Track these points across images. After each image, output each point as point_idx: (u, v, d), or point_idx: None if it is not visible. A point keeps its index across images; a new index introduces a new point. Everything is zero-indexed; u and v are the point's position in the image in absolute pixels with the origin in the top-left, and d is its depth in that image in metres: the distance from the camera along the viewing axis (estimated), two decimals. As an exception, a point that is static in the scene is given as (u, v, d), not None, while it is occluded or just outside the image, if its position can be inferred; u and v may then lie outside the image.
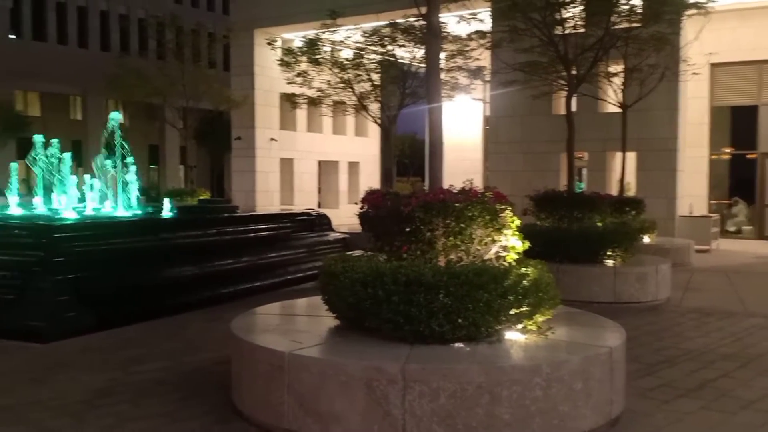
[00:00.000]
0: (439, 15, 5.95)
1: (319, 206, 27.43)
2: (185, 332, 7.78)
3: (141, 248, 9.35)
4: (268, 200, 25.85)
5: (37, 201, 12.11)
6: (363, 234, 5.93)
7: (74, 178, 11.84)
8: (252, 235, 11.88)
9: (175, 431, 4.66)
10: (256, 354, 4.78)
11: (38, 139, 12.17)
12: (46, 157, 11.95)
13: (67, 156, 11.96)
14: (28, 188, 12.24)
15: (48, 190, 11.99)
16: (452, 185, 5.36)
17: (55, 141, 12.36)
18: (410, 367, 4.22)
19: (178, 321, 8.30)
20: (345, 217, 21.45)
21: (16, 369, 6.16)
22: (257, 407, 4.76)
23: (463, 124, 25.46)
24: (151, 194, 48.47)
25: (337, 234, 14.07)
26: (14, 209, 11.78)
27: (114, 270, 8.57)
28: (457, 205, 5.02)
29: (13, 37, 43.94)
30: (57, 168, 11.88)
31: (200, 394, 5.42)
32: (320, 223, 13.87)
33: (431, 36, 5.79)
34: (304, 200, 27.00)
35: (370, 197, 5.85)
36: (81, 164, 48.92)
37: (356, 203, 5.83)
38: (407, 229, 5.07)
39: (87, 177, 12.05)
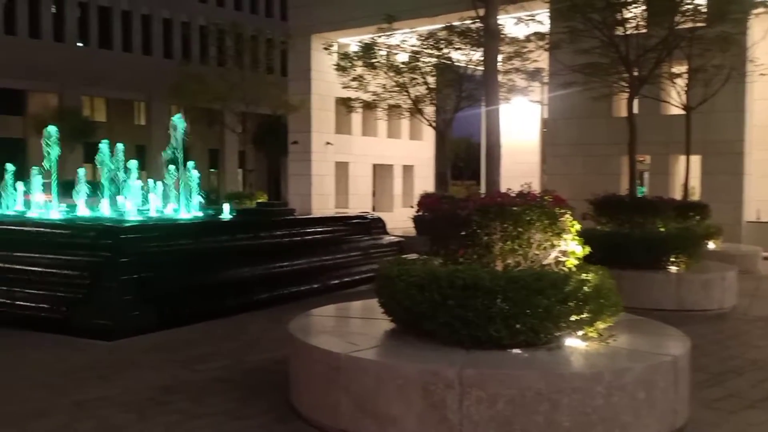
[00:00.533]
0: (497, 17, 5.91)
1: (374, 209, 27.53)
2: (245, 332, 7.94)
3: (202, 250, 9.58)
4: (323, 203, 26.14)
5: (104, 203, 12.55)
6: (418, 237, 5.93)
7: (138, 182, 12.22)
8: (308, 237, 12.01)
9: (235, 429, 4.76)
10: (313, 355, 4.84)
11: (104, 144, 12.62)
12: (112, 161, 12.38)
13: (132, 162, 12.37)
14: (94, 191, 12.71)
15: (114, 193, 12.41)
16: (510, 189, 5.31)
17: (120, 146, 12.78)
18: (467, 372, 4.20)
19: (237, 321, 8.47)
20: (399, 221, 21.47)
21: (86, 366, 6.40)
22: (314, 407, 4.82)
23: (520, 126, 25.17)
24: (210, 197, 49.71)
25: (392, 237, 14.10)
26: (82, 211, 12.24)
27: (177, 271, 8.81)
28: (515, 208, 4.97)
29: (80, 45, 45.75)
30: (123, 172, 12.29)
31: (260, 393, 5.52)
32: (375, 226, 13.92)
33: (489, 38, 5.76)
34: (359, 203, 27.19)
35: (426, 200, 5.85)
36: (144, 168, 50.61)
37: (412, 207, 5.85)
38: (464, 233, 5.05)
39: (150, 181, 12.44)
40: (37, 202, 12.33)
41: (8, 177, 12.70)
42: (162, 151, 11.74)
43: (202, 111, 39.15)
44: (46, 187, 12.14)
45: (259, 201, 23.68)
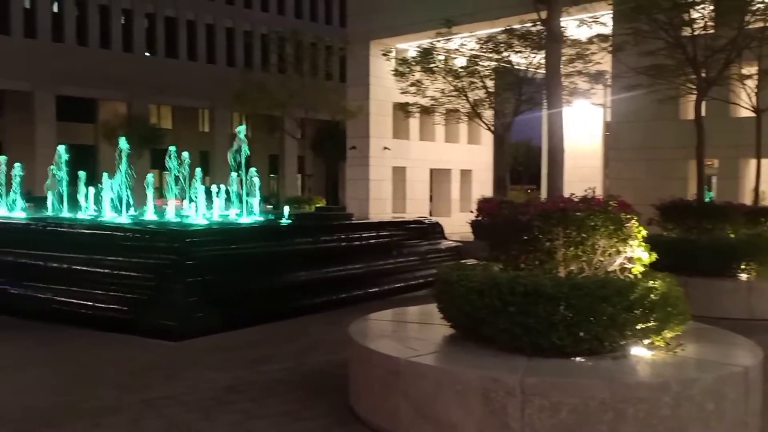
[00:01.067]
0: (559, 19, 5.83)
1: (431, 214, 27.48)
2: (305, 335, 8.04)
3: (264, 253, 9.77)
4: (380, 208, 26.24)
5: (170, 208, 12.94)
6: (476, 242, 5.89)
7: (202, 187, 12.56)
8: (366, 242, 12.08)
9: (296, 430, 4.83)
10: (372, 359, 4.86)
11: (172, 150, 13.03)
12: (178, 167, 12.76)
13: (197, 169, 12.73)
14: (161, 196, 13.14)
15: (179, 198, 12.77)
16: (573, 194, 5.22)
17: (185, 153, 13.17)
18: (529, 380, 4.14)
19: (298, 324, 8.59)
20: (457, 226, 21.38)
21: (153, 365, 6.60)
22: (374, 411, 4.84)
23: (581, 130, 24.69)
24: (271, 202, 50.64)
25: (450, 242, 14.04)
26: (149, 215, 12.65)
27: (239, 273, 9.01)
28: (578, 214, 4.88)
29: (148, 54, 47.37)
30: (188, 177, 12.66)
31: (320, 395, 5.58)
32: (433, 231, 13.90)
33: (551, 41, 5.68)
34: (416, 208, 27.17)
35: (486, 205, 5.80)
36: (207, 173, 51.96)
37: (472, 212, 5.81)
38: (525, 239, 4.99)
39: (214, 186, 12.76)
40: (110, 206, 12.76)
41: (81, 183, 13.22)
42: (225, 157, 12.10)
43: (263, 117, 40.02)
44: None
45: (318, 205, 23.96)
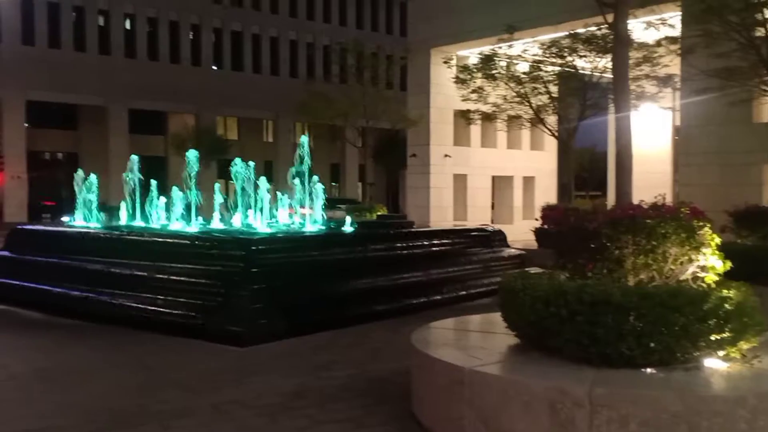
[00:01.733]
0: (627, 22, 5.71)
1: (493, 222, 27.22)
2: (368, 342, 8.09)
3: (327, 261, 9.88)
4: (441, 216, 26.17)
5: (237, 216, 13.24)
6: (540, 250, 5.81)
7: (267, 196, 12.81)
8: (428, 250, 12.06)
9: (360, 437, 4.86)
10: (435, 367, 4.85)
11: (238, 160, 13.35)
12: (244, 176, 13.06)
13: (262, 178, 13.01)
14: (227, 205, 13.51)
15: (245, 207, 13.06)
16: (642, 200, 5.09)
17: (251, 163, 13.48)
18: (597, 391, 4.05)
19: (361, 331, 8.64)
20: (520, 233, 21.08)
21: (221, 370, 6.77)
22: (437, 420, 4.82)
23: (649, 134, 24.01)
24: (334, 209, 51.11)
25: (513, 250, 13.86)
26: (216, 224, 12.99)
27: (303, 281, 9.14)
28: (648, 221, 4.75)
29: (215, 68, 48.78)
30: (253, 187, 12.94)
31: (383, 403, 5.60)
32: (495, 238, 13.75)
33: (619, 44, 5.57)
34: (478, 216, 26.97)
35: (551, 213, 5.72)
36: (271, 182, 53.02)
37: (536, 219, 5.74)
38: (592, 247, 4.89)
39: (278, 194, 13.01)
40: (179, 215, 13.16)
41: (153, 193, 13.69)
42: (289, 167, 12.31)
43: (324, 127, 40.59)
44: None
45: (379, 213, 24.07)
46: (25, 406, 5.60)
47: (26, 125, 41.50)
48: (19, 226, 14.10)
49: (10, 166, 39.05)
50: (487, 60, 21.00)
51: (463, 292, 11.39)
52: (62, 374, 6.56)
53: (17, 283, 11.12)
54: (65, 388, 6.10)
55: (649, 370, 4.38)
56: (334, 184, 56.99)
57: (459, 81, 22.03)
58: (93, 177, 13.94)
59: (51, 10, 42.06)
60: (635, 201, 5.15)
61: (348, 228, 12.11)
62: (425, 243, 12.13)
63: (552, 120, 21.49)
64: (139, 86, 43.59)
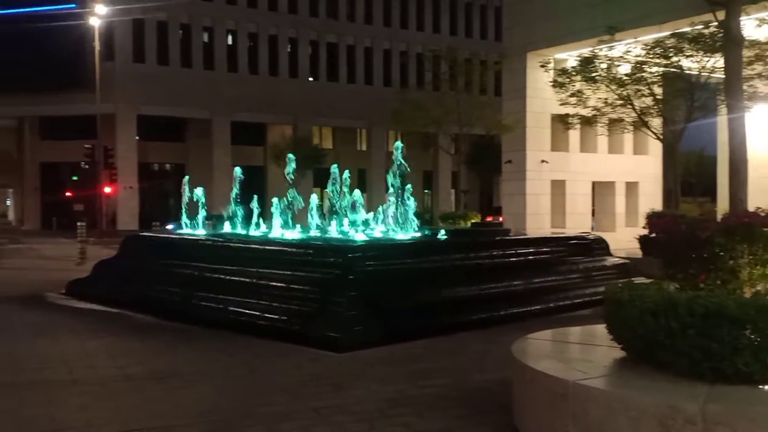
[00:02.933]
0: (739, 19, 5.39)
1: (594, 229, 26.35)
2: (465, 351, 8.02)
3: (422, 269, 9.90)
4: (538, 223, 25.59)
5: (333, 224, 13.51)
6: (646, 259, 5.56)
7: (360, 204, 12.99)
8: (525, 258, 11.83)
9: (459, 448, 4.81)
10: (538, 380, 4.73)
11: (334, 169, 13.63)
12: (339, 185, 13.32)
13: (357, 190, 13.23)
14: (322, 214, 13.82)
15: (340, 215, 13.29)
16: (759, 207, 4.78)
17: (345, 172, 13.71)
18: (711, 408, 3.83)
19: (456, 339, 8.58)
20: (623, 241, 20.26)
21: (320, 375, 6.91)
22: (540, 433, 4.70)
23: (764, 137, 22.54)
24: (425, 218, 51.24)
25: (616, 259, 13.36)
26: (313, 232, 13.30)
27: (398, 288, 9.20)
28: (765, 229, 4.45)
29: (311, 79, 50.08)
30: (348, 195, 13.17)
31: (482, 413, 5.53)
32: (597, 247, 13.30)
33: (731, 43, 5.27)
34: (577, 223, 26.18)
35: (659, 221, 5.47)
36: (365, 190, 53.77)
37: (644, 228, 5.49)
38: (705, 256, 4.64)
39: (368, 201, 13.13)
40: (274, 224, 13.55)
41: (254, 203, 14.20)
42: (381, 174, 12.48)
43: (417, 134, 40.69)
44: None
45: (474, 221, 23.85)
46: (141, 406, 5.93)
47: (137, 138, 44.14)
48: (132, 234, 14.96)
49: (123, 177, 41.60)
50: (587, 62, 20.37)
51: (563, 303, 11.08)
52: (173, 376, 6.90)
53: (130, 287, 11.81)
54: (176, 389, 6.41)
55: (767, 387, 4.11)
56: (426, 191, 57.04)
57: (557, 85, 21.50)
58: (199, 188, 14.58)
59: (160, 28, 44.58)
60: (750, 208, 4.83)
61: (442, 236, 12.07)
62: (522, 251, 11.91)
63: (656, 123, 20.57)
64: (240, 99, 45.41)
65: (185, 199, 14.51)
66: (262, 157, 48.62)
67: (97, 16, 37.43)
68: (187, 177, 14.56)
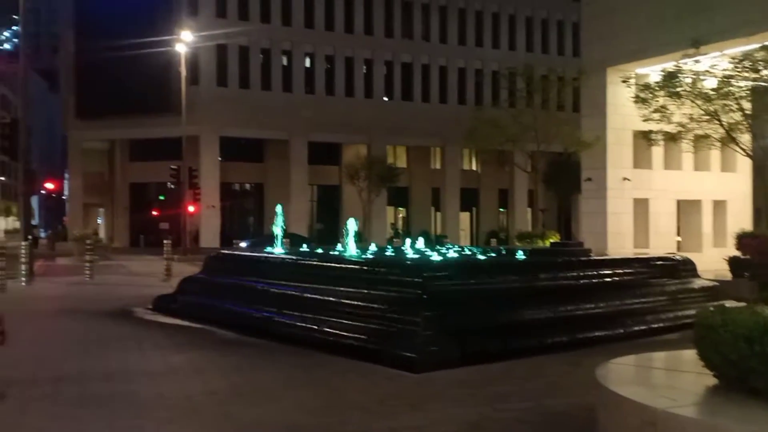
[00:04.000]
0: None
1: (679, 250, 25.30)
2: (545, 374, 7.82)
3: (500, 289, 9.77)
4: (620, 243, 24.78)
5: (408, 243, 13.55)
6: (736, 281, 5.29)
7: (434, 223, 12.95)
8: (607, 279, 11.48)
9: (541, 474, 4.68)
10: (624, 407, 4.56)
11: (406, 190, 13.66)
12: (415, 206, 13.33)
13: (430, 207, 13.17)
14: (396, 232, 13.87)
15: (416, 234, 13.31)
16: None
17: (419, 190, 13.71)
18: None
19: (535, 362, 8.39)
20: (710, 262, 19.35)
21: (396, 394, 6.89)
22: (626, 463, 4.52)
23: None
24: (500, 237, 50.59)
25: (704, 281, 12.77)
26: (390, 250, 13.36)
27: (476, 308, 9.09)
28: None
29: (386, 99, 50.62)
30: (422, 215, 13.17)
31: (564, 440, 5.37)
32: (683, 268, 12.76)
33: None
34: (661, 243, 25.20)
35: (753, 241, 5.20)
36: (439, 209, 53.67)
37: (738, 249, 5.24)
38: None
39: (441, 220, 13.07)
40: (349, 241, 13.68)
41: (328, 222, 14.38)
42: (455, 192, 12.36)
43: (492, 152, 40.34)
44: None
45: (552, 241, 23.34)
46: (224, 420, 6.07)
47: (219, 159, 45.74)
48: (215, 252, 15.44)
49: (206, 196, 43.13)
50: (671, 77, 19.71)
51: (648, 326, 10.67)
52: (254, 391, 7.04)
53: (213, 303, 12.18)
54: (258, 404, 6.54)
55: None
56: (502, 210, 56.33)
57: (639, 100, 20.89)
58: (278, 206, 14.92)
59: (242, 53, 46.23)
60: None
61: (521, 256, 11.88)
62: (604, 272, 11.56)
63: (745, 138, 19.65)
64: (317, 120, 46.40)
65: (278, 230, 14.59)
66: (337, 177, 49.35)
67: (184, 43, 39.19)
68: (279, 208, 14.74)
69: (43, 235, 55.11)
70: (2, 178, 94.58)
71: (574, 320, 10.00)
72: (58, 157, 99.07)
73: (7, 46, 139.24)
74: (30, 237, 20.96)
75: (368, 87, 49.83)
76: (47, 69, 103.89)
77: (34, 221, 69.12)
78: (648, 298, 11.33)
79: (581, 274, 11.24)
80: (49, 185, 54.31)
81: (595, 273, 11.43)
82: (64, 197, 64.33)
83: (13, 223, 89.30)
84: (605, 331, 10.09)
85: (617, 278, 11.56)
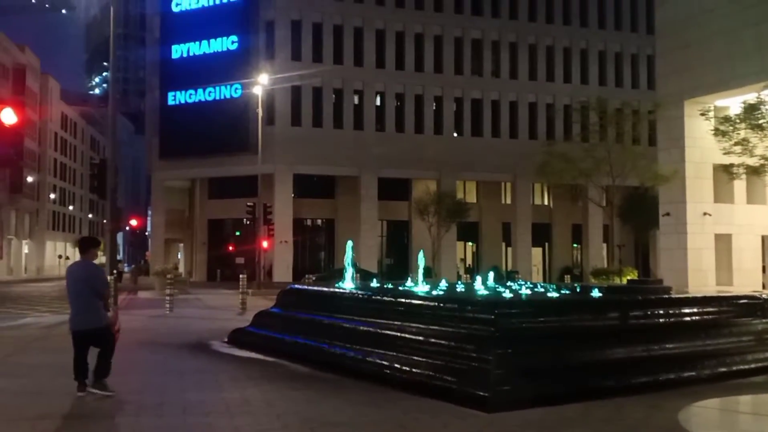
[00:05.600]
0: None
1: (764, 287, 24.04)
2: (623, 417, 7.52)
3: (575, 327, 9.53)
4: (701, 280, 23.78)
5: (479, 279, 13.43)
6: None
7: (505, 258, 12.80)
8: (687, 319, 11.01)
9: None
10: (708, 453, 4.36)
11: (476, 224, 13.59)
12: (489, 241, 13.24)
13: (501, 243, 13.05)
14: (465, 268, 13.79)
15: (486, 270, 13.20)
16: None
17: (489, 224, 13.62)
18: None
19: (613, 404, 8.09)
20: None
21: (468, 433, 6.79)
22: None
23: None
24: (574, 273, 49.34)
25: (794, 321, 12.05)
26: (460, 286, 13.27)
27: (550, 347, 8.89)
28: None
29: (455, 135, 50.77)
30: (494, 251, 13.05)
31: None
32: (770, 307, 12.09)
33: None
34: (745, 280, 24.04)
35: None
36: (510, 244, 52.90)
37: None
38: None
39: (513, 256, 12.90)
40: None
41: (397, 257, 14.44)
42: (527, 227, 12.17)
43: (565, 187, 39.70)
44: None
45: (630, 278, 22.64)
46: (295, 453, 6.13)
47: (292, 195, 46.85)
48: (288, 287, 15.72)
49: (279, 232, 44.15)
50: (752, 109, 19.04)
51: (732, 368, 10.12)
52: (326, 426, 7.09)
53: (286, 337, 12.38)
54: (328, 439, 6.57)
55: None
56: (575, 245, 55.04)
57: (719, 133, 20.25)
58: (349, 242, 15.09)
59: (315, 94, 47.59)
60: None
61: (598, 293, 11.58)
62: (684, 311, 11.10)
63: (836, 171, 18.70)
64: (387, 156, 47.00)
65: (349, 270, 14.74)
66: (406, 212, 49.61)
67: (261, 86, 40.72)
68: (350, 245, 14.87)
69: (126, 269, 57.54)
70: (90, 215, 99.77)
71: (655, 360, 9.61)
72: (142, 195, 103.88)
73: (97, 91, 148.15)
74: (115, 271, 21.94)
75: (438, 123, 50.19)
76: (134, 112, 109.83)
77: (119, 256, 72.38)
78: (732, 339, 10.79)
79: (661, 312, 10.83)
80: (133, 222, 56.89)
81: (676, 311, 10.99)
82: (146, 233, 67.23)
83: (99, 257, 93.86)
84: (687, 372, 9.64)
85: (699, 317, 11.07)
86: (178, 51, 48.87)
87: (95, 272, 8.42)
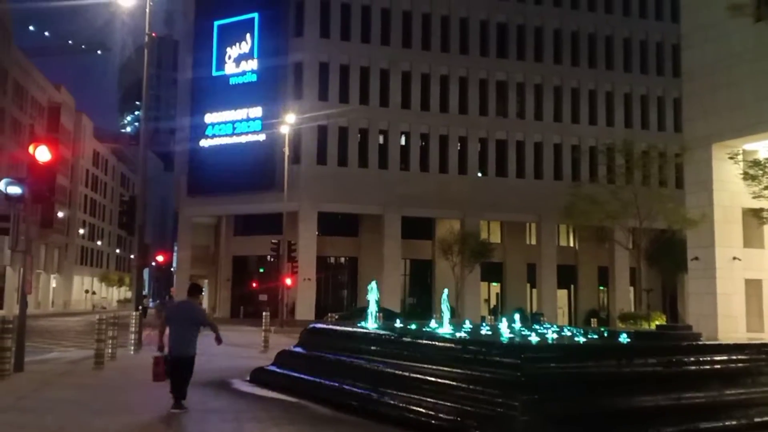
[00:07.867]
0: None
1: (799, 335, 23.38)
2: (652, 469, 7.32)
3: (602, 373, 9.34)
4: (731, 326, 23.21)
5: (504, 322, 13.27)
6: None
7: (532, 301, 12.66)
8: (719, 367, 10.74)
9: None
10: None
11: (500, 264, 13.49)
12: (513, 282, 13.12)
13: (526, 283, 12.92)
14: (489, 309, 13.65)
15: (510, 311, 13.05)
16: None
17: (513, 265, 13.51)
18: None
19: (642, 455, 7.89)
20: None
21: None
22: None
23: None
24: (600, 316, 48.50)
25: (831, 371, 11.67)
26: (484, 329, 13.11)
27: (577, 393, 8.72)
28: None
29: (480, 175, 50.81)
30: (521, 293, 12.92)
31: None
32: (805, 356, 11.74)
33: None
34: (778, 327, 23.42)
35: None
36: (535, 286, 52.28)
37: None
38: None
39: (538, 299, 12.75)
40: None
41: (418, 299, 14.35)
42: (552, 268, 12.06)
43: (591, 229, 39.33)
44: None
45: (659, 323, 22.21)
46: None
47: (316, 233, 47.05)
48: (311, 326, 15.65)
49: (303, 269, 44.23)
50: (781, 152, 18.88)
51: (764, 418, 9.83)
52: (347, 470, 6.99)
53: (309, 377, 12.29)
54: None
55: None
56: (601, 288, 54.25)
57: (748, 177, 20.01)
58: (373, 282, 15.03)
59: (341, 133, 48.15)
60: None
61: (625, 339, 11.37)
62: (716, 359, 10.83)
63: None
64: (411, 195, 47.13)
65: (372, 305, 14.66)
66: (430, 251, 49.46)
67: (288, 125, 41.33)
68: (374, 285, 14.78)
69: (151, 305, 57.91)
70: (117, 250, 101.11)
71: (685, 409, 9.37)
72: (168, 230, 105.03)
73: (129, 129, 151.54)
74: (141, 307, 22.09)
75: (462, 163, 50.31)
76: (163, 150, 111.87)
77: (144, 291, 72.89)
78: (764, 388, 10.49)
79: (692, 359, 10.58)
80: (160, 258, 57.40)
81: (707, 359, 10.73)
82: (172, 268, 67.76)
83: (125, 292, 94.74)
84: (719, 422, 9.40)
85: (731, 365, 10.79)
86: (208, 90, 49.59)
87: (200, 310, 10.68)
